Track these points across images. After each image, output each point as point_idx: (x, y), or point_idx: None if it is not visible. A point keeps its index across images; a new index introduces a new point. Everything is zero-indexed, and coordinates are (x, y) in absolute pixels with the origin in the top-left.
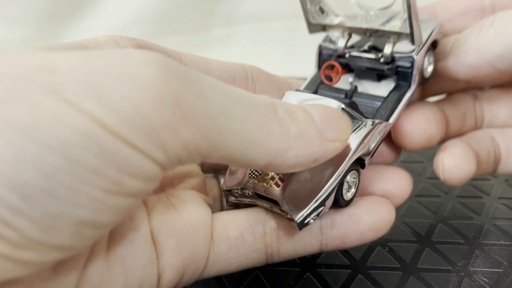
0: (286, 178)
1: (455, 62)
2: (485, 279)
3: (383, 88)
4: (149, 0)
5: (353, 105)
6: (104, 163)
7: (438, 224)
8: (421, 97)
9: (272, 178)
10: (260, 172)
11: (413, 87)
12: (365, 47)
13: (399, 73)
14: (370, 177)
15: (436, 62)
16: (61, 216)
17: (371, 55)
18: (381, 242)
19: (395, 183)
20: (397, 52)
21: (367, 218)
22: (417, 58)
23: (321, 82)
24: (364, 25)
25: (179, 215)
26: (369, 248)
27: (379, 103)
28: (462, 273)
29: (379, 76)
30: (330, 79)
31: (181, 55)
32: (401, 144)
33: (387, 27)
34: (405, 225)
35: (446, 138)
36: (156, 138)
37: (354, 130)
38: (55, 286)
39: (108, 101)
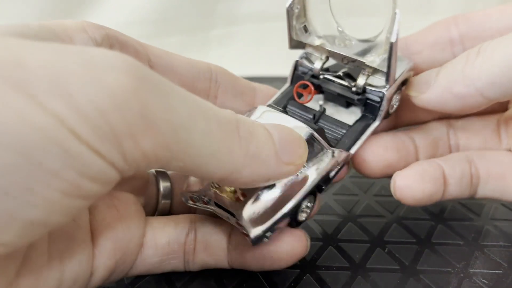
0: (247, 194)
1: (441, 92)
2: (484, 280)
3: (349, 115)
4: (149, 0)
5: (321, 131)
6: (64, 166)
7: (437, 225)
8: (394, 127)
9: (234, 192)
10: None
11: (378, 121)
12: (340, 73)
13: (367, 105)
14: None
15: (413, 96)
16: (11, 215)
17: (344, 82)
18: (381, 244)
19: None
20: (369, 85)
21: (264, 245)
22: (387, 94)
23: (292, 98)
24: (343, 52)
25: (119, 219)
26: (369, 249)
27: (344, 131)
28: (462, 275)
29: (348, 103)
30: (301, 97)
31: (147, 49)
32: (360, 171)
33: (364, 60)
34: (405, 227)
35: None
36: (118, 145)
37: (317, 157)
38: None
39: (75, 103)
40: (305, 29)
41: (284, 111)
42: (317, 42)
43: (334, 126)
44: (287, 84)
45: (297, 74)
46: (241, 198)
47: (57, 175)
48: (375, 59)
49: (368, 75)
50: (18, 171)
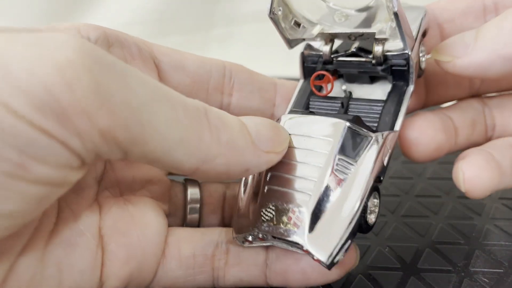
0: (301, 215)
1: (487, 54)
2: (485, 279)
3: (378, 91)
4: (149, 0)
5: (357, 120)
6: (2, 144)
7: (438, 224)
8: (424, 105)
9: (289, 218)
10: (273, 212)
11: (411, 85)
12: (353, 49)
13: (394, 72)
14: None
15: (446, 62)
16: None
17: (361, 58)
18: (382, 243)
19: None
20: (389, 51)
21: (308, 258)
22: (412, 54)
23: (311, 93)
24: (347, 29)
25: (133, 225)
26: (370, 248)
27: (380, 108)
28: (463, 274)
29: (372, 78)
30: (321, 89)
31: (153, 47)
32: (408, 154)
33: (373, 31)
34: (406, 226)
35: (455, 148)
36: (69, 123)
37: (364, 148)
38: None
39: (16, 82)
40: (297, 25)
41: (308, 111)
42: (315, 31)
43: (367, 108)
44: (301, 81)
45: (308, 66)
46: (298, 223)
47: (3, 158)
48: (383, 27)
49: (383, 43)
50: None
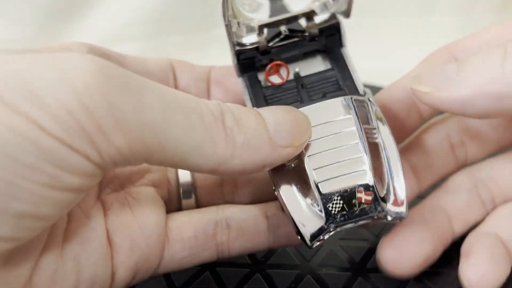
0: (371, 191)
1: (470, 91)
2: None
3: (318, 63)
4: (149, 0)
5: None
6: (40, 160)
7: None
8: (399, 139)
9: (359, 199)
10: (340, 202)
11: (345, 46)
12: (285, 33)
13: (329, 40)
14: None
15: (425, 93)
16: (1, 209)
17: (295, 39)
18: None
19: None
20: (317, 25)
21: None
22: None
23: (262, 87)
24: (287, 15)
25: (134, 217)
26: (369, 250)
27: (333, 75)
28: None
29: (305, 54)
30: (278, 79)
31: (125, 59)
32: (391, 273)
33: (310, 8)
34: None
35: (453, 237)
36: (89, 140)
37: (370, 111)
38: (7, 277)
39: (44, 104)
40: (238, 25)
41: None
42: (254, 24)
43: (323, 79)
44: (240, 79)
45: (244, 63)
46: (369, 198)
47: (36, 169)
48: (314, 5)
49: (313, 18)
50: (2, 168)
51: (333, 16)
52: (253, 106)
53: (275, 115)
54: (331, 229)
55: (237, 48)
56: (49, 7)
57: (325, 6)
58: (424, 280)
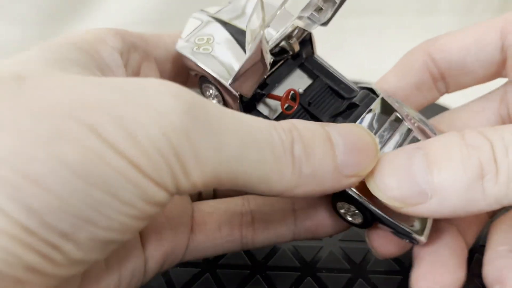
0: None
1: (450, 209)
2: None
3: (300, 74)
4: (149, 0)
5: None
6: (136, 198)
7: None
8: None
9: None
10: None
11: (315, 52)
12: (271, 60)
13: (304, 51)
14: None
15: (398, 207)
16: (98, 239)
17: (280, 60)
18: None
19: None
20: (291, 44)
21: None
22: (311, 32)
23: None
24: (279, 38)
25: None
26: (370, 252)
27: (325, 83)
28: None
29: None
30: (290, 108)
31: (148, 39)
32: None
33: (295, 25)
34: None
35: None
36: (172, 176)
37: (396, 104)
38: (63, 286)
39: (138, 143)
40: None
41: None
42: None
43: (319, 92)
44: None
45: (246, 104)
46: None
47: (130, 205)
48: (297, 22)
49: (293, 36)
50: (104, 205)
51: (304, 32)
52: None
53: (347, 140)
54: None
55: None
56: (50, 7)
57: (310, 20)
58: None
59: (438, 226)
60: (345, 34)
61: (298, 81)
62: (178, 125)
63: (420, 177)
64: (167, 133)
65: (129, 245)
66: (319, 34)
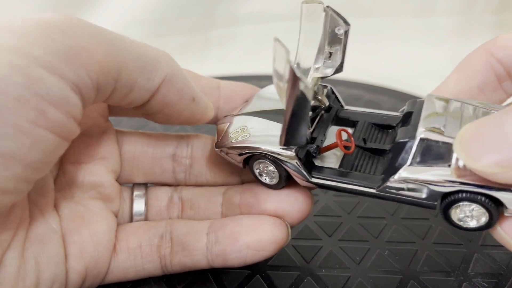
0: None
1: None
2: (484, 283)
3: (342, 123)
4: (149, 0)
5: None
6: (28, 92)
7: (437, 227)
8: None
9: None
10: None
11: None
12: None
13: (331, 99)
14: (265, 194)
15: (494, 173)
16: None
17: (317, 115)
18: (381, 245)
19: (290, 201)
20: (320, 99)
21: (245, 237)
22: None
23: (338, 169)
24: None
25: (84, 224)
26: (369, 251)
27: (369, 123)
28: (462, 277)
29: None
30: (349, 148)
31: None
32: None
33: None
34: (405, 228)
35: None
36: (75, 60)
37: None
38: None
39: (28, 35)
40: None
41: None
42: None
43: (365, 128)
44: (313, 180)
45: (306, 161)
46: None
47: (22, 102)
48: (315, 73)
49: (318, 90)
50: None
51: (321, 84)
52: (357, 186)
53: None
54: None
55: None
56: (49, 7)
57: (326, 68)
58: (424, 282)
59: None
60: None
61: (335, 129)
62: (61, 17)
63: None
64: (52, 22)
65: (50, 248)
66: None
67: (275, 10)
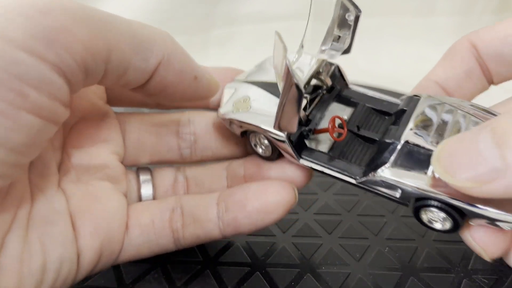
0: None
1: None
2: (485, 279)
3: (340, 104)
4: (149, 0)
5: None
6: (5, 73)
7: None
8: None
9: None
10: None
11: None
12: (310, 96)
13: (338, 81)
14: (268, 165)
15: (468, 188)
16: None
17: (318, 96)
18: (381, 243)
19: (292, 169)
20: (322, 80)
21: (254, 202)
22: (338, 64)
23: (328, 153)
24: (310, 74)
25: (96, 202)
26: (369, 248)
27: (368, 107)
28: (462, 274)
29: (334, 97)
30: (340, 135)
31: None
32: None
33: (323, 59)
34: (405, 225)
35: None
36: (56, 41)
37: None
38: None
39: (6, 17)
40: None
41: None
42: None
43: (362, 114)
44: (301, 161)
45: (297, 143)
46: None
47: (1, 84)
48: (321, 55)
49: (321, 71)
50: None
51: (327, 62)
52: (340, 173)
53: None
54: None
55: (285, 134)
56: None
57: (332, 51)
58: (424, 278)
59: None
60: None
61: (340, 112)
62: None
63: (489, 153)
64: (34, 4)
65: (55, 229)
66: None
67: (275, 10)
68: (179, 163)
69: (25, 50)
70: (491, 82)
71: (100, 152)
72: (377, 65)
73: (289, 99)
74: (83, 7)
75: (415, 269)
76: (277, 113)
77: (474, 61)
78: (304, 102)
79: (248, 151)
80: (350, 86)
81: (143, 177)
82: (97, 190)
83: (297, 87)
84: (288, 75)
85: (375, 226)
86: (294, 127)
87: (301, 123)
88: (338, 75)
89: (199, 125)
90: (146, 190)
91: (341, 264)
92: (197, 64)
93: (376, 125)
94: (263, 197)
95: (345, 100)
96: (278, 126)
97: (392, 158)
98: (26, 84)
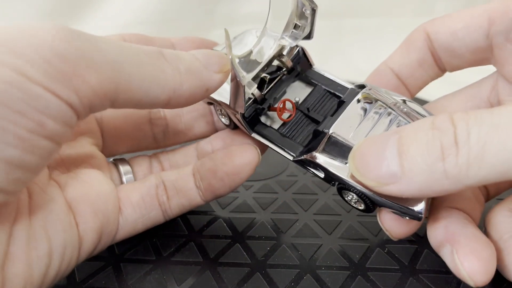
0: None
1: (417, 189)
2: (429, 279)
3: (302, 85)
4: (149, 0)
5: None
6: (27, 106)
7: None
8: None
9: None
10: None
11: (313, 63)
12: (268, 76)
13: (301, 63)
14: (230, 139)
15: (373, 186)
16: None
17: (277, 77)
18: (380, 244)
19: (250, 141)
20: (283, 61)
21: (222, 167)
22: (302, 46)
23: (278, 129)
24: (267, 59)
25: (90, 188)
26: (368, 249)
27: (324, 89)
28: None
29: (289, 85)
30: (289, 116)
31: None
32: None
33: (282, 44)
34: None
35: None
36: (69, 84)
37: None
38: None
39: (25, 56)
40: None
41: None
42: (249, 79)
43: (317, 97)
44: (254, 135)
45: (249, 119)
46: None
47: (22, 114)
48: (281, 41)
49: (283, 53)
50: None
51: (294, 47)
52: (282, 150)
53: (200, 52)
54: None
55: (240, 112)
56: (50, 7)
57: (292, 37)
58: (424, 280)
59: (449, 214)
60: (341, 35)
61: (299, 92)
62: (59, 36)
63: (391, 159)
64: (51, 43)
65: (53, 217)
66: (317, 36)
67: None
68: (154, 148)
69: (44, 87)
70: (444, 70)
71: (82, 144)
72: (377, 65)
73: (234, 88)
74: (98, 49)
75: (415, 270)
76: (230, 94)
77: (427, 50)
78: (260, 84)
79: (217, 129)
80: (314, 67)
81: (122, 166)
82: (88, 177)
83: (238, 82)
84: (233, 70)
85: (374, 227)
86: (242, 108)
87: (256, 101)
88: (302, 57)
89: (169, 110)
90: (128, 178)
91: (340, 265)
92: (208, 74)
93: (326, 108)
94: (230, 161)
95: (306, 81)
96: (231, 106)
97: (321, 146)
98: (45, 115)
